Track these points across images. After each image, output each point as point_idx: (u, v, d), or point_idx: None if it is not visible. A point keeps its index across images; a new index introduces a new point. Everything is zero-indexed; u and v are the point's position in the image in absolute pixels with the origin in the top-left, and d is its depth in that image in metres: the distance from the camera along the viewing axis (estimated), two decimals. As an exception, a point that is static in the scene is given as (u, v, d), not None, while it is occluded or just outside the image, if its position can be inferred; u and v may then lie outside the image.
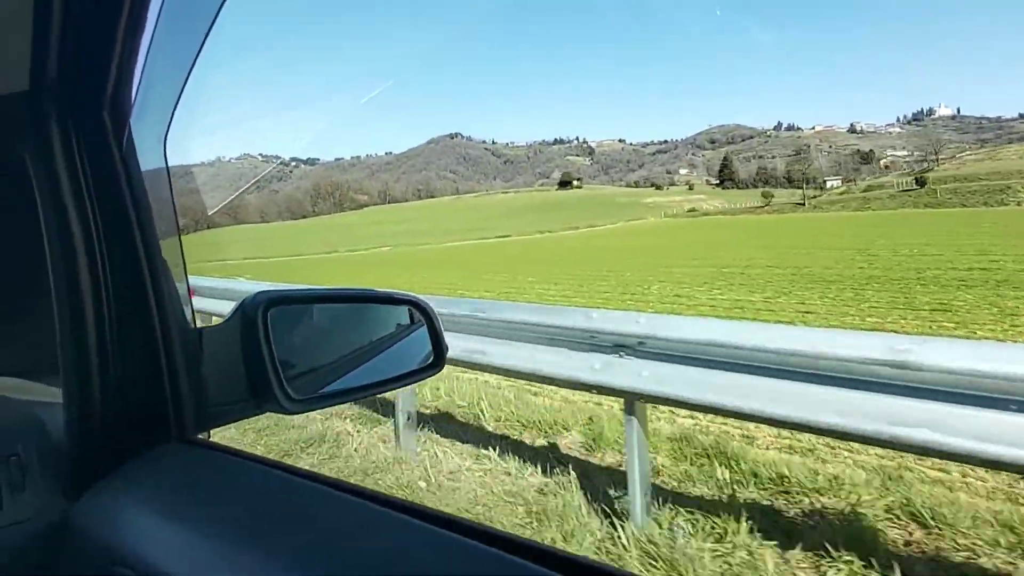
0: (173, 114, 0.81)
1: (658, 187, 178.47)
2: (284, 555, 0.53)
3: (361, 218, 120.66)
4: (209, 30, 0.71)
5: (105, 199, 0.71)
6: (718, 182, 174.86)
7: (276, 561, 0.52)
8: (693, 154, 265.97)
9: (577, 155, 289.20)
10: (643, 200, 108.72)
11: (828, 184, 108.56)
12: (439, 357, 0.90)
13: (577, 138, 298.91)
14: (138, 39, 0.67)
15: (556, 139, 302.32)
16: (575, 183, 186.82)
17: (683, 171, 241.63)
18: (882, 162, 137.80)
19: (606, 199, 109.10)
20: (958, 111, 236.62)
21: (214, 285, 5.88)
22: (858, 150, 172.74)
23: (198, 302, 5.52)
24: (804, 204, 73.02)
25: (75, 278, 0.68)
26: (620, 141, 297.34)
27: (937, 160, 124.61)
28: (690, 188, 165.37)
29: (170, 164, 0.83)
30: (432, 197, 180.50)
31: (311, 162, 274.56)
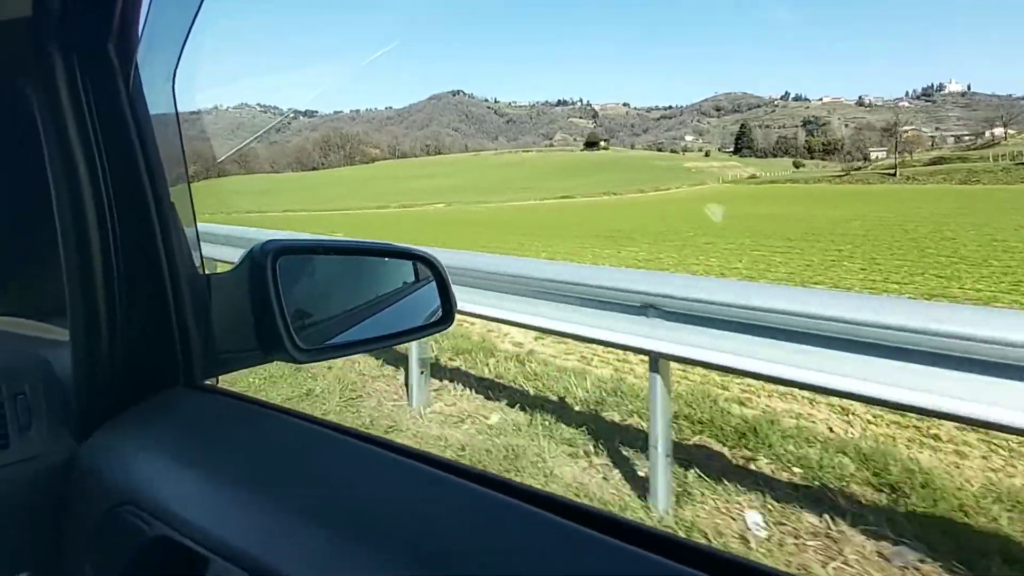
0: (181, 53, 0.78)
1: (674, 151, 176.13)
2: (292, 500, 0.53)
3: (377, 171, 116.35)
4: None
5: (111, 137, 0.68)
6: (733, 150, 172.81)
7: (284, 504, 0.53)
8: (698, 121, 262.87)
9: (580, 118, 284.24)
10: (683, 164, 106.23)
11: (872, 156, 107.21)
12: (448, 313, 0.90)
13: (581, 100, 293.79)
14: None
15: (559, 100, 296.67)
16: (602, 144, 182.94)
17: (688, 137, 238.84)
18: (904, 136, 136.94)
19: (642, 162, 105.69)
20: (968, 88, 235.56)
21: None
22: (882, 123, 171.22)
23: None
24: (895, 174, 69.99)
25: (82, 219, 0.67)
26: (624, 105, 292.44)
27: (996, 137, 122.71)
28: (706, 155, 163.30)
29: (178, 105, 0.81)
30: (440, 153, 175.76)
31: (309, 114, 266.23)
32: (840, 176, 77.57)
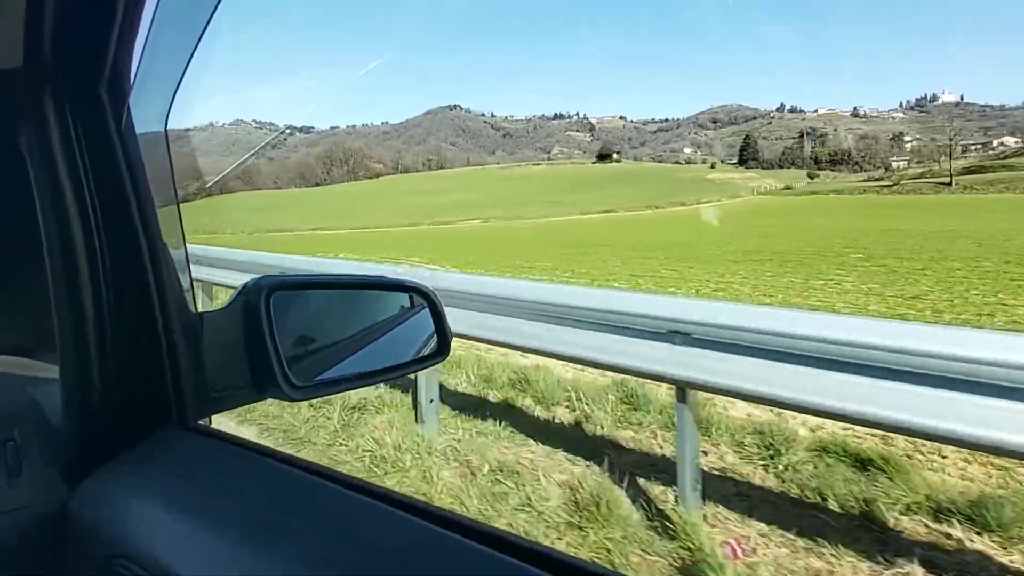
0: (176, 90, 0.79)
1: (677, 163, 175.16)
2: (287, 553, 0.52)
3: (384, 186, 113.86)
4: (215, 9, 0.70)
5: (103, 180, 0.69)
6: (737, 161, 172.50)
7: (278, 557, 0.52)
8: (695, 133, 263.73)
9: (577, 131, 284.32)
10: (705, 176, 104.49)
11: (894, 165, 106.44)
12: (444, 345, 0.90)
13: (577, 113, 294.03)
14: (138, 16, 0.66)
15: (556, 114, 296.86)
16: (615, 156, 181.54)
17: (687, 150, 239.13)
18: (907, 147, 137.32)
19: (664, 174, 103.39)
20: (961, 98, 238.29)
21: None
22: (892, 134, 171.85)
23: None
24: (951, 184, 68.03)
25: (72, 260, 0.66)
26: (621, 118, 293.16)
27: (1008, 145, 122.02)
28: (712, 167, 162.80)
29: (173, 129, 0.82)
30: (442, 168, 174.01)
31: (305, 130, 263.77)
32: (889, 186, 75.88)
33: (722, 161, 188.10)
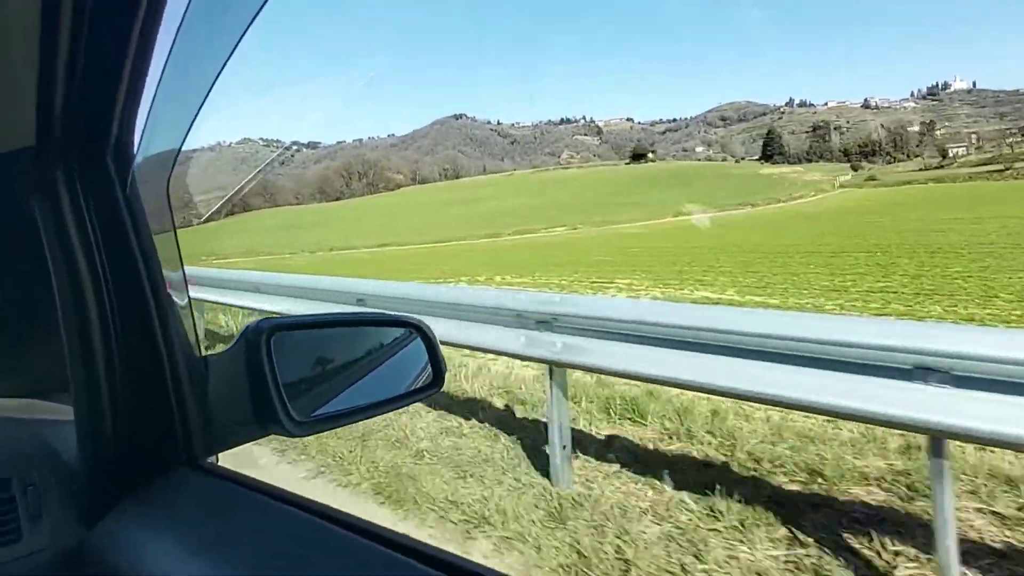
0: (177, 154, 0.86)
1: (700, 162, 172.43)
2: None
3: (411, 198, 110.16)
4: (217, 76, 0.74)
5: (110, 240, 0.73)
6: (759, 157, 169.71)
7: None
8: (705, 132, 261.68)
9: (585, 134, 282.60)
10: (758, 172, 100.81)
11: (951, 152, 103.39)
12: (438, 376, 0.95)
13: (584, 117, 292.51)
14: (141, 86, 0.70)
15: (562, 119, 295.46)
16: (650, 156, 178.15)
17: (699, 148, 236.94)
18: (938, 133, 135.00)
19: (714, 171, 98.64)
20: (974, 84, 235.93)
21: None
22: (922, 122, 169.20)
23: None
24: None
25: (84, 314, 0.71)
26: (628, 120, 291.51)
27: None
28: (737, 162, 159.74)
29: (185, 151, 0.87)
30: (458, 177, 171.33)
31: (312, 145, 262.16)
32: (1000, 171, 71.31)
33: (743, 158, 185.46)
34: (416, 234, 46.16)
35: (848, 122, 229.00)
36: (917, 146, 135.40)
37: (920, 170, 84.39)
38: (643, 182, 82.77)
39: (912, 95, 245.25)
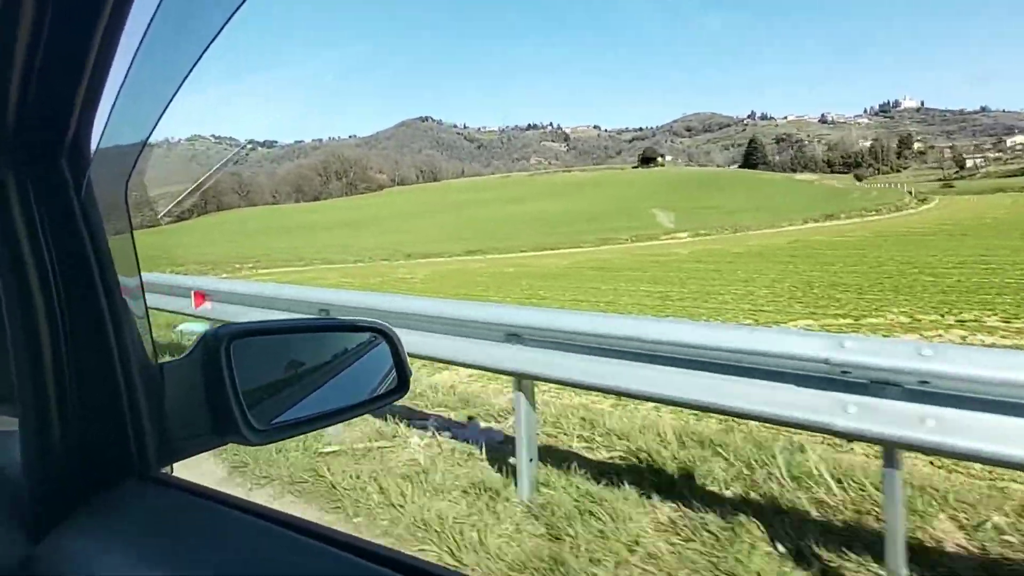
0: (138, 157, 0.83)
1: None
2: None
3: (406, 198, 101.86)
4: (185, 77, 0.72)
5: (63, 246, 0.71)
6: (742, 165, 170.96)
7: None
8: (671, 141, 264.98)
9: (552, 141, 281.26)
10: (794, 178, 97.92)
11: (969, 164, 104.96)
12: (403, 381, 0.94)
13: (551, 124, 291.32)
14: (101, 88, 0.67)
15: (529, 124, 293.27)
16: (659, 160, 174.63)
17: (668, 157, 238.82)
18: (915, 147, 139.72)
19: (745, 177, 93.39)
20: (922, 103, 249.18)
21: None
22: (899, 137, 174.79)
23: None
24: None
25: (32, 322, 0.68)
26: (595, 128, 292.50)
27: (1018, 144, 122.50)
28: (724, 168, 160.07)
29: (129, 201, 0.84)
30: (436, 179, 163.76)
31: (268, 144, 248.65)
32: None
33: (719, 167, 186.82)
34: (481, 239, 38.25)
35: (808, 136, 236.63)
36: (898, 158, 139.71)
37: (940, 180, 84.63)
38: (683, 187, 76.77)
39: (865, 111, 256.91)
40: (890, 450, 2.17)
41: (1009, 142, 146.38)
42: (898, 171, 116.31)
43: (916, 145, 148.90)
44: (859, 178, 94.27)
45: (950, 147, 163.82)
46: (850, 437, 2.60)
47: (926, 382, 2.05)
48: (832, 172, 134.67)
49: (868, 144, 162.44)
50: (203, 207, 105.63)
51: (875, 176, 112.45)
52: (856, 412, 2.14)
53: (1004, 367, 1.99)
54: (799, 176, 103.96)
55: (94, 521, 0.68)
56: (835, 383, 2.22)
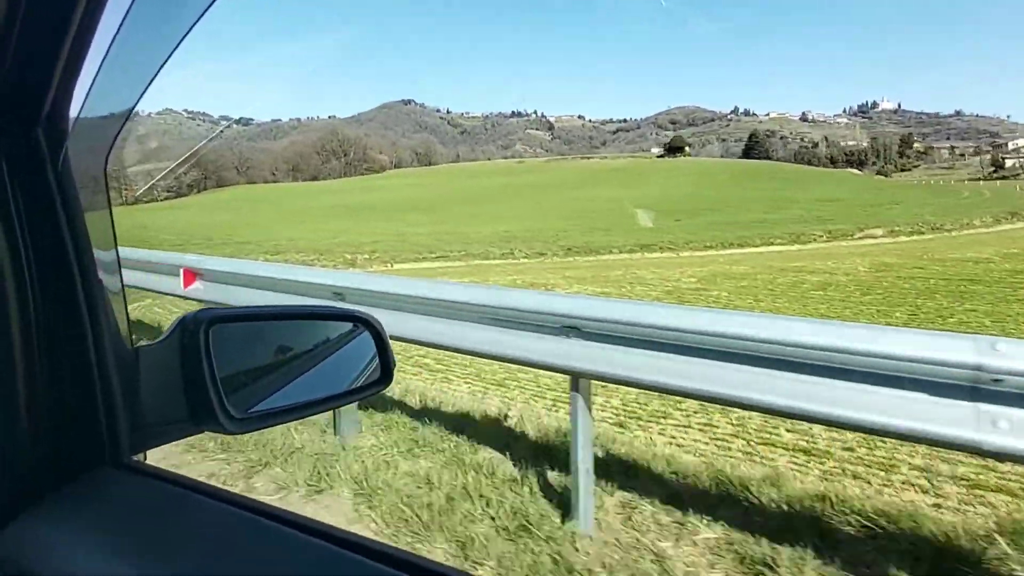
0: (118, 133, 0.80)
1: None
2: None
3: (430, 179, 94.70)
4: (172, 51, 0.70)
5: (36, 222, 0.68)
6: (740, 158, 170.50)
7: None
8: (656, 134, 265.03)
9: (537, 129, 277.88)
10: (851, 172, 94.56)
11: (1008, 164, 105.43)
12: (386, 373, 0.91)
13: (535, 112, 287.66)
14: (82, 58, 0.65)
15: (514, 112, 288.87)
16: (687, 149, 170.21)
17: (655, 150, 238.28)
18: (915, 147, 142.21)
19: (786, 171, 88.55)
20: (899, 105, 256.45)
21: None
22: (901, 137, 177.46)
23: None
24: None
25: (2, 303, 0.65)
26: (579, 117, 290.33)
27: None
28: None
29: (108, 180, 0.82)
30: (431, 163, 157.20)
31: (244, 122, 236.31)
32: None
33: (725, 158, 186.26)
34: (622, 232, 30.32)
35: (791, 133, 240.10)
36: (900, 157, 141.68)
37: (979, 179, 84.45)
38: (739, 178, 71.12)
39: (844, 111, 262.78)
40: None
41: (1010, 144, 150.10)
42: (908, 170, 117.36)
43: (916, 145, 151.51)
44: (883, 173, 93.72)
45: (948, 148, 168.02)
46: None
47: None
48: (835, 167, 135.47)
49: (866, 143, 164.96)
50: (202, 183, 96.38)
51: (894, 173, 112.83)
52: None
53: None
54: (836, 170, 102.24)
55: (63, 509, 0.66)
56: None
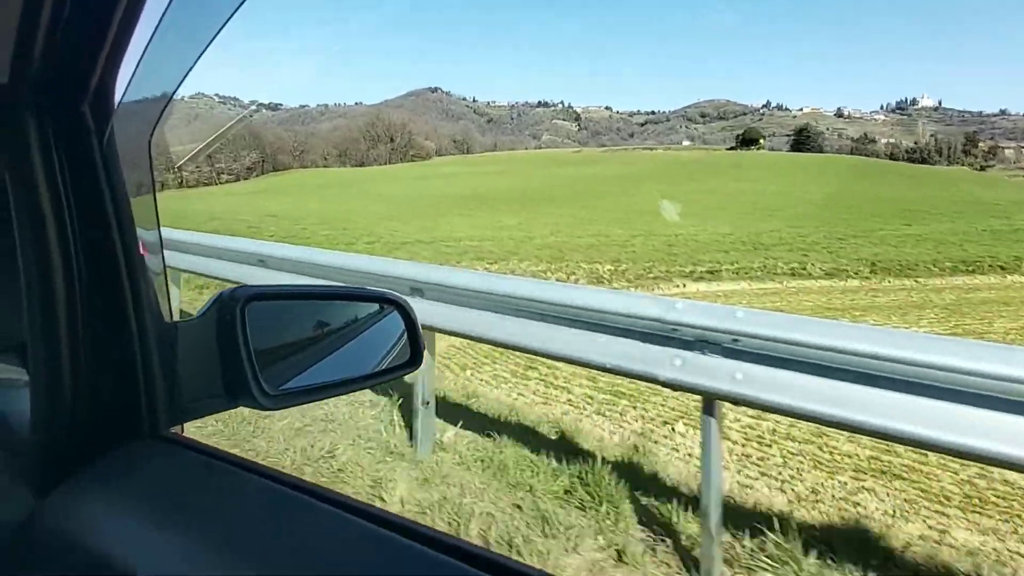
0: (164, 110, 0.81)
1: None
2: (257, 565, 0.53)
3: (473, 169, 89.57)
4: (219, 30, 0.70)
5: (82, 197, 0.69)
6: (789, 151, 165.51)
7: (247, 570, 0.52)
8: (686, 127, 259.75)
9: (564, 119, 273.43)
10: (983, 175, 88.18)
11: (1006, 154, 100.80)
12: (416, 354, 0.92)
13: (562, 102, 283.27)
14: (130, 33, 0.65)
15: (540, 101, 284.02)
16: (762, 142, 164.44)
17: (686, 142, 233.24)
18: (979, 145, 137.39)
19: (889, 168, 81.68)
20: (940, 103, 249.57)
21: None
22: (965, 133, 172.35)
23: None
24: None
25: (48, 273, 0.66)
26: (607, 109, 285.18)
27: None
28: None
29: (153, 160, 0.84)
30: (469, 152, 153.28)
31: (273, 107, 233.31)
32: None
33: (776, 150, 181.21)
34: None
35: (828, 128, 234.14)
36: (965, 155, 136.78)
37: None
38: (869, 175, 63.55)
39: (882, 108, 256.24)
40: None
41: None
42: (982, 169, 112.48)
43: (981, 144, 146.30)
44: (982, 168, 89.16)
45: (1014, 148, 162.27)
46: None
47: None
48: (894, 162, 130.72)
49: (927, 139, 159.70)
50: (261, 166, 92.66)
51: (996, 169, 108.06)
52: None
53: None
54: (951, 168, 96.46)
55: (102, 478, 0.67)
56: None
